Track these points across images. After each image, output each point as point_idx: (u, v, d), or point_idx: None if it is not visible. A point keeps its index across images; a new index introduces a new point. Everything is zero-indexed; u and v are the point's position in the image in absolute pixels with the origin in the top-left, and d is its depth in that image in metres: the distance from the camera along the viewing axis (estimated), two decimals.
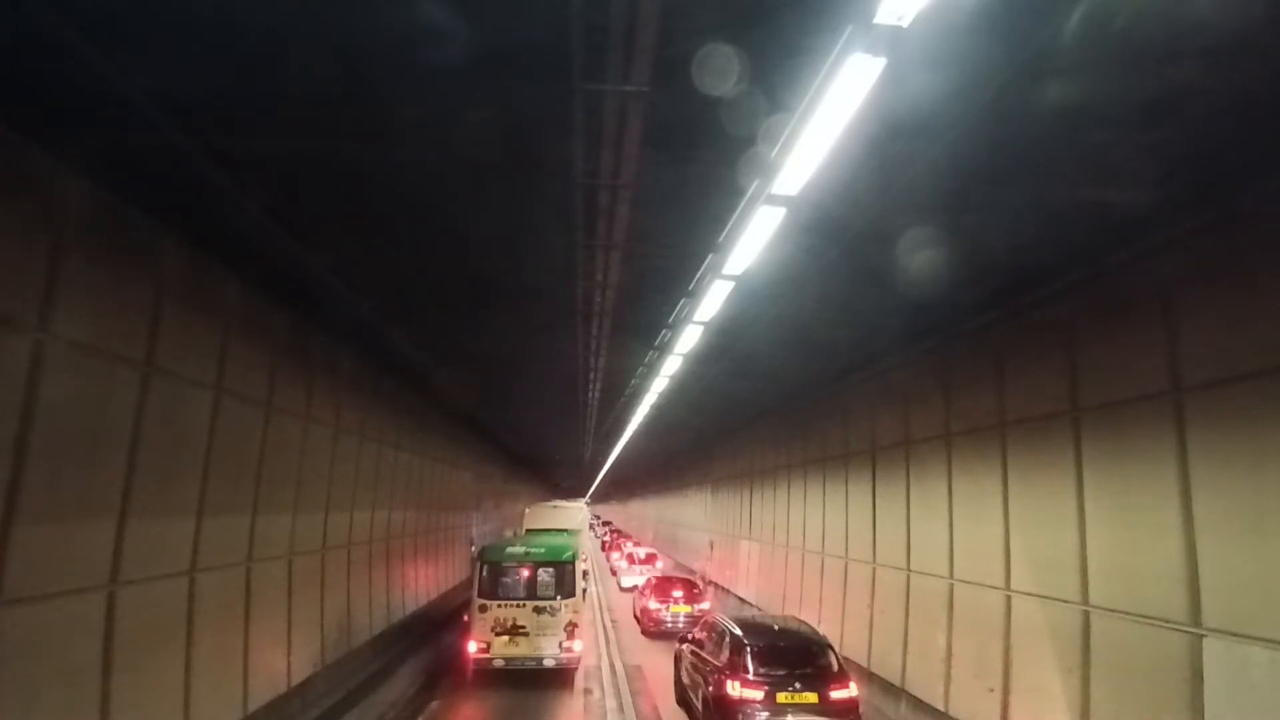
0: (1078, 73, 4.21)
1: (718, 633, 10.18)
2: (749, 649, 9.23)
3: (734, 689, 8.84)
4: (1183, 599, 5.85)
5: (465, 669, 12.82)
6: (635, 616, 19.48)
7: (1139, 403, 6.49)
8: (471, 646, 12.52)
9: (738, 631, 9.72)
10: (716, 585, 22.88)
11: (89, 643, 5.85)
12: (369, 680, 11.88)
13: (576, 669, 13.17)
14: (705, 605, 17.89)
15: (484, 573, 12.85)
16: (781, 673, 8.95)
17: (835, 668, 9.28)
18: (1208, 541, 5.72)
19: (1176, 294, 6.14)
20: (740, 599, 19.75)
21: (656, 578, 20.28)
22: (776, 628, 10.38)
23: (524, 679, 12.52)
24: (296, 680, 9.76)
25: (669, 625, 17.31)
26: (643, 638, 17.75)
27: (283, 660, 9.47)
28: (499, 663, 12.42)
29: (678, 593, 18.14)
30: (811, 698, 8.72)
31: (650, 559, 26.66)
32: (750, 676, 8.90)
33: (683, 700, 11.33)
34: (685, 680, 11.18)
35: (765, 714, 8.59)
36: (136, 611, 6.33)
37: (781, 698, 8.64)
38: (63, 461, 5.47)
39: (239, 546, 8.27)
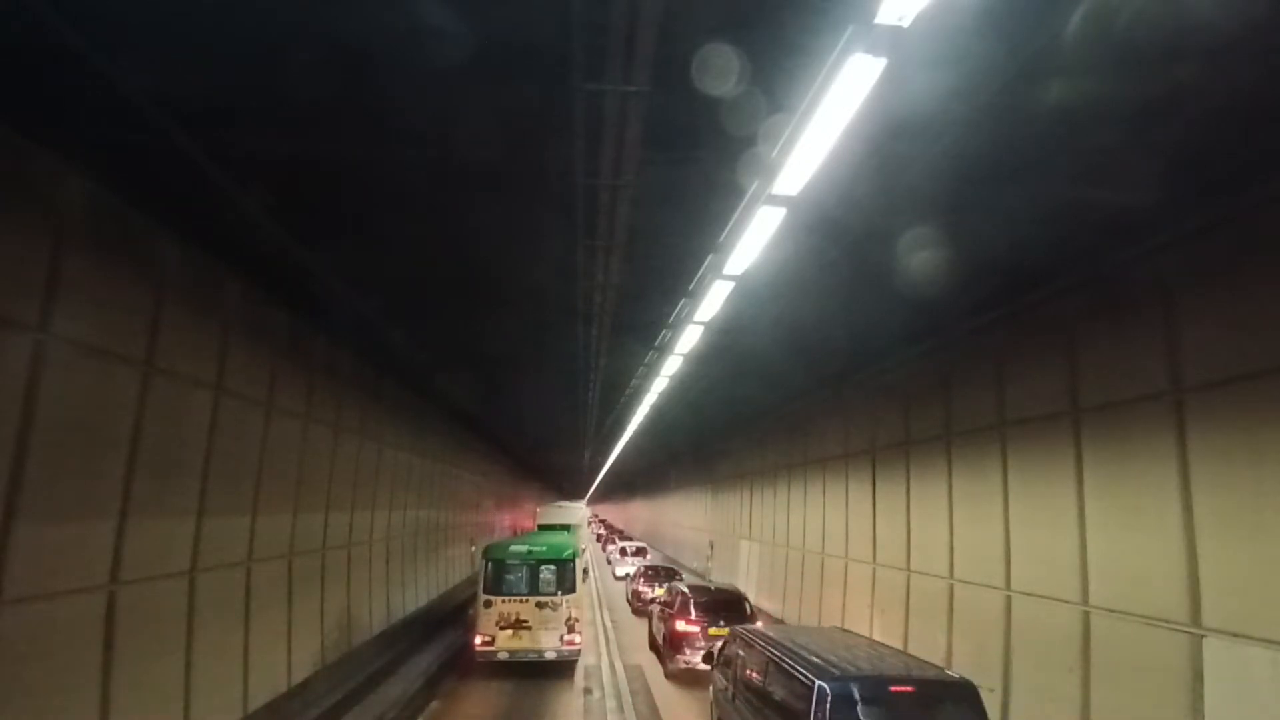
0: (1078, 73, 4.21)
1: (674, 593, 14.76)
2: (692, 600, 13.53)
3: (681, 626, 13.17)
4: (1183, 599, 5.85)
5: (465, 668, 12.97)
6: (628, 600, 22.68)
7: (1139, 403, 6.49)
8: (477, 639, 12.81)
9: (687, 591, 14.21)
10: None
11: (89, 643, 5.85)
12: (370, 679, 11.88)
13: (576, 661, 13.57)
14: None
15: (489, 570, 13.24)
16: (713, 615, 13.09)
17: (748, 612, 13.47)
18: (1208, 541, 5.72)
19: (1176, 294, 6.14)
20: None
21: (645, 567, 24.03)
22: (713, 588, 15.17)
23: (525, 676, 12.63)
24: (297, 680, 9.76)
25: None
26: (640, 635, 17.80)
27: (283, 660, 9.48)
28: (503, 655, 12.72)
29: (660, 578, 21.68)
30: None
31: (640, 552, 30.54)
32: (692, 617, 13.16)
33: (652, 645, 15.69)
34: (653, 629, 15.79)
35: (701, 641, 12.66)
36: (136, 611, 6.33)
37: (711, 630, 12.73)
38: (63, 461, 5.47)
39: (239, 546, 8.27)
